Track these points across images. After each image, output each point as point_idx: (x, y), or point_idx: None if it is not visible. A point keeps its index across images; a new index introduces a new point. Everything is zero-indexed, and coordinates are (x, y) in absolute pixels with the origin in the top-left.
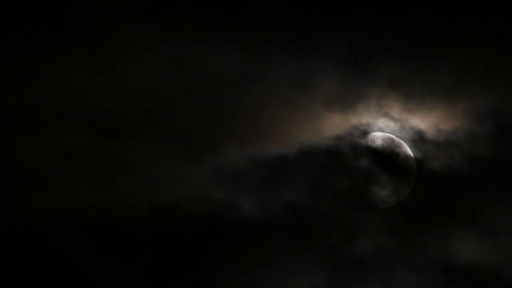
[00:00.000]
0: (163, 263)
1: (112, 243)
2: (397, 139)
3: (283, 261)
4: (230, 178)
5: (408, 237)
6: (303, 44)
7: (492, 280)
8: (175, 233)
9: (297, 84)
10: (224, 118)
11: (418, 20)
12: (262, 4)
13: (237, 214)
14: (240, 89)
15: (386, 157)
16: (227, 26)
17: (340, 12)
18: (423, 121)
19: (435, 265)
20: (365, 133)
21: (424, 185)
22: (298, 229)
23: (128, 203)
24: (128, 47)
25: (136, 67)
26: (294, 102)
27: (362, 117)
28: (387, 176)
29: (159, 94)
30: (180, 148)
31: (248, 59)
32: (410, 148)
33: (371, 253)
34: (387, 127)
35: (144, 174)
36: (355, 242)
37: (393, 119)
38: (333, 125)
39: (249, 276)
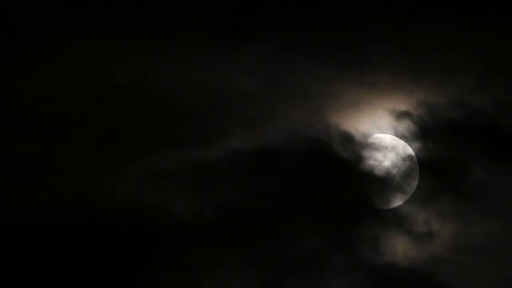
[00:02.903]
0: (94, 267)
1: (41, 246)
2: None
3: (216, 262)
4: (163, 180)
5: (338, 238)
6: (225, 53)
7: (423, 281)
8: (107, 236)
9: (229, 88)
10: (157, 120)
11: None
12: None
13: (171, 217)
14: (173, 91)
15: (316, 158)
16: (152, 26)
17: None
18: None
19: (365, 266)
20: (293, 134)
21: (354, 185)
22: (231, 231)
23: (58, 205)
24: (59, 48)
25: (67, 67)
26: (227, 105)
27: (288, 118)
28: (319, 177)
29: (91, 95)
30: (111, 150)
31: (183, 62)
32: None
33: (302, 253)
34: (312, 127)
35: (75, 176)
36: (287, 243)
37: (319, 120)
38: (265, 127)
39: (183, 278)
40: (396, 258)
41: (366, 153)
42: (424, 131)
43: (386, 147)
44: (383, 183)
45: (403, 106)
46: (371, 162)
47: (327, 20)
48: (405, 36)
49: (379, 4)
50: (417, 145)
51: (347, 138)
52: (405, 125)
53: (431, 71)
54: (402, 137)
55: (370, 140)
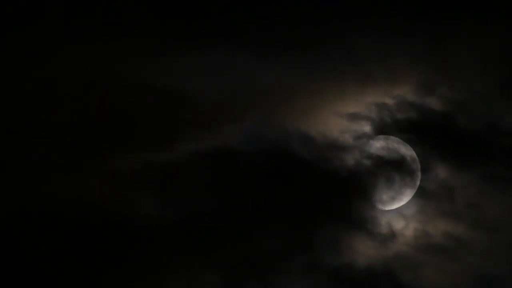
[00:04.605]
0: (55, 267)
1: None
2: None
3: (179, 263)
4: (125, 181)
5: (299, 239)
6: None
7: (384, 280)
8: (68, 237)
9: (186, 90)
10: (118, 121)
11: None
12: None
13: (132, 218)
14: (132, 93)
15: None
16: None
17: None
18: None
19: (326, 266)
20: (253, 136)
21: (315, 186)
22: (193, 232)
23: (18, 206)
24: (17, 48)
25: (26, 68)
26: (184, 107)
27: (246, 120)
28: (280, 178)
29: (51, 95)
30: (72, 150)
31: (141, 64)
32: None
33: (264, 254)
34: (271, 129)
35: (35, 176)
36: (249, 244)
37: (278, 122)
38: (225, 129)
39: (145, 279)
40: (357, 258)
41: (326, 154)
42: (382, 132)
43: (347, 148)
44: (344, 184)
45: (358, 108)
46: (332, 163)
47: (280, 25)
48: (353, 42)
49: (330, 12)
50: (376, 145)
51: (307, 140)
52: (363, 126)
53: (381, 74)
54: (360, 138)
55: (329, 141)
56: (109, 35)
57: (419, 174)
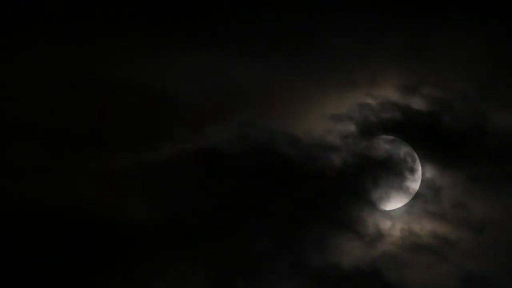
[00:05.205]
0: (43, 267)
1: None
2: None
3: (165, 263)
4: (113, 181)
5: (286, 239)
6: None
7: (371, 280)
8: (56, 236)
9: (171, 91)
10: (105, 121)
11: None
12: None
13: (120, 217)
14: (118, 93)
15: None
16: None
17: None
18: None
19: (313, 266)
20: (239, 136)
21: (302, 186)
22: (180, 232)
23: (6, 205)
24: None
25: (12, 69)
26: (170, 108)
27: (233, 121)
28: (266, 178)
29: (39, 96)
30: (60, 150)
31: (127, 65)
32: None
33: (251, 254)
34: (257, 130)
35: (23, 176)
36: (235, 244)
37: (264, 123)
38: (211, 130)
39: (132, 279)
40: (344, 258)
41: (312, 155)
42: (367, 132)
43: (333, 148)
44: (331, 184)
45: (342, 109)
46: (318, 163)
47: (264, 27)
48: (334, 45)
49: (311, 15)
50: (362, 145)
51: (293, 140)
52: (348, 127)
53: (363, 76)
54: (346, 138)
55: (315, 141)
56: (96, 37)
57: (406, 174)
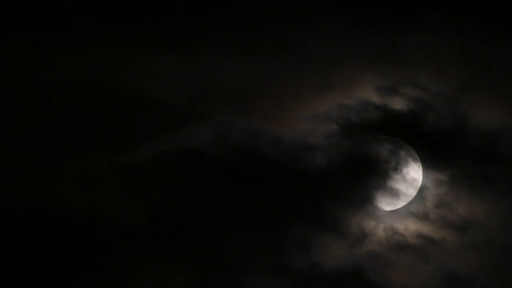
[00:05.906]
0: (20, 268)
1: None
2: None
3: (146, 263)
4: (92, 182)
5: (267, 239)
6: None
7: (354, 280)
8: (33, 237)
9: (148, 92)
10: (84, 121)
11: None
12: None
13: (99, 218)
14: (97, 92)
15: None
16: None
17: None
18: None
19: (295, 266)
20: (220, 136)
21: (284, 186)
22: (160, 232)
23: None
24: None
25: None
26: (148, 108)
27: (213, 121)
28: (248, 178)
29: (17, 95)
30: (38, 150)
31: (109, 66)
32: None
33: (232, 254)
34: (239, 130)
35: (1, 177)
36: (216, 244)
37: (246, 122)
38: (191, 130)
39: (112, 280)
40: (327, 258)
41: (294, 155)
42: (349, 132)
43: (315, 148)
44: (314, 184)
45: (323, 109)
46: (300, 163)
47: (243, 28)
48: (309, 48)
49: (286, 17)
50: (345, 145)
51: (274, 140)
52: (329, 127)
53: (339, 79)
54: (328, 137)
55: (297, 141)
56: (75, 37)
57: (390, 173)
